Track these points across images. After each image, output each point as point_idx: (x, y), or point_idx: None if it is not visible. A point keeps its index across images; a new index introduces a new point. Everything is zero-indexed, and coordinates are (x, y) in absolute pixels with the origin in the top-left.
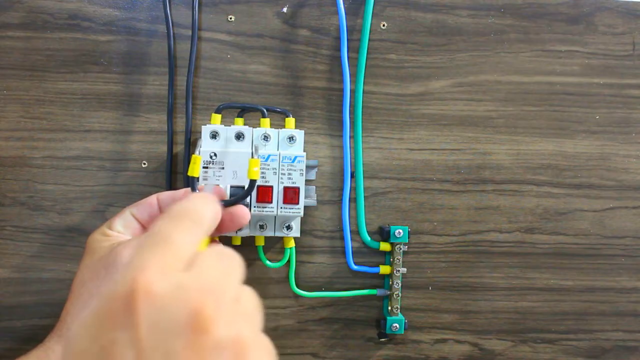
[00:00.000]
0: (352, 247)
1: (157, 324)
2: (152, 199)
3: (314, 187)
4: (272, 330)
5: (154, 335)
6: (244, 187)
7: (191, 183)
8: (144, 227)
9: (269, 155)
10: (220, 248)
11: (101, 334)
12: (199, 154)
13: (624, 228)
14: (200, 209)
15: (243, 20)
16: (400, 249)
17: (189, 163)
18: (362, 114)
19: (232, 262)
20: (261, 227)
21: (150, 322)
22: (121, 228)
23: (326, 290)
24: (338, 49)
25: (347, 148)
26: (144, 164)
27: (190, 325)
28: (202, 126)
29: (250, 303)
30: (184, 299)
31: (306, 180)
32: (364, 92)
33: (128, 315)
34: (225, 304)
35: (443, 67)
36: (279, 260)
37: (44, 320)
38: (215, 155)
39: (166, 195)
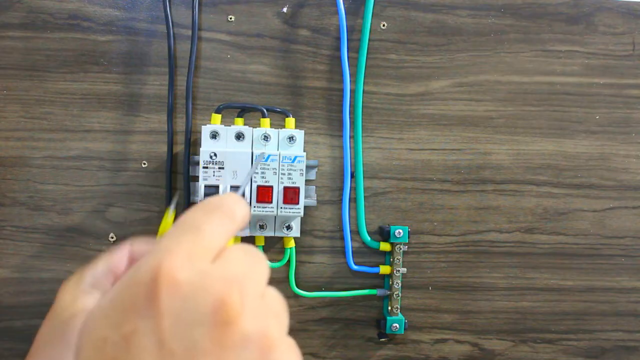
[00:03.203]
0: (352, 247)
1: (180, 314)
2: (124, 251)
3: (314, 187)
4: None
5: (177, 326)
6: None
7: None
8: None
9: (268, 155)
10: (248, 245)
11: (122, 323)
12: (174, 208)
13: (624, 228)
14: (232, 205)
15: (243, 20)
16: (400, 249)
17: (188, 163)
18: (362, 114)
19: (259, 259)
20: (261, 227)
21: (174, 311)
22: (89, 287)
23: (326, 290)
24: (338, 49)
25: (347, 148)
26: (144, 164)
27: (215, 315)
28: (202, 126)
29: (276, 301)
30: (209, 288)
31: (306, 180)
32: (364, 92)
33: (150, 303)
34: (251, 297)
35: (443, 67)
36: (279, 260)
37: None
38: (215, 155)
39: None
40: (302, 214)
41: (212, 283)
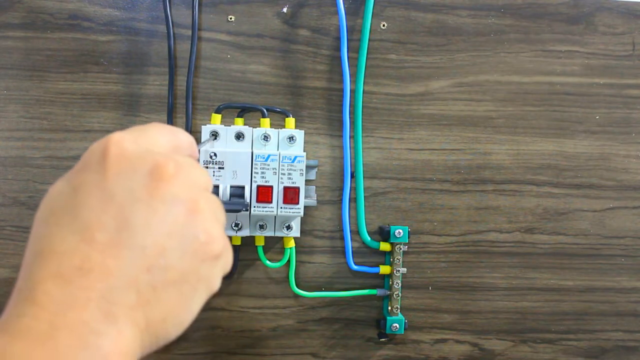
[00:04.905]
0: (352, 247)
1: (122, 170)
2: None
3: (314, 187)
4: (272, 330)
5: (118, 177)
6: (243, 187)
7: None
8: None
9: (268, 155)
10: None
11: (74, 178)
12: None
13: (624, 228)
14: (176, 129)
15: (243, 20)
16: (400, 249)
17: None
18: (362, 114)
19: (204, 172)
20: (261, 227)
21: (117, 168)
22: None
23: (326, 290)
24: (338, 49)
25: (347, 148)
26: None
27: (151, 173)
28: (202, 126)
29: (216, 202)
30: (150, 158)
31: (306, 180)
32: (364, 92)
33: (100, 161)
34: (186, 175)
35: (443, 67)
36: (279, 260)
37: None
38: (215, 155)
39: None
40: (302, 214)
41: (154, 155)
